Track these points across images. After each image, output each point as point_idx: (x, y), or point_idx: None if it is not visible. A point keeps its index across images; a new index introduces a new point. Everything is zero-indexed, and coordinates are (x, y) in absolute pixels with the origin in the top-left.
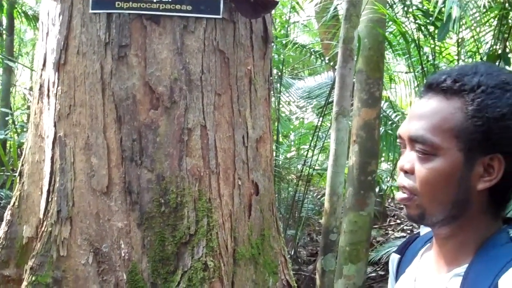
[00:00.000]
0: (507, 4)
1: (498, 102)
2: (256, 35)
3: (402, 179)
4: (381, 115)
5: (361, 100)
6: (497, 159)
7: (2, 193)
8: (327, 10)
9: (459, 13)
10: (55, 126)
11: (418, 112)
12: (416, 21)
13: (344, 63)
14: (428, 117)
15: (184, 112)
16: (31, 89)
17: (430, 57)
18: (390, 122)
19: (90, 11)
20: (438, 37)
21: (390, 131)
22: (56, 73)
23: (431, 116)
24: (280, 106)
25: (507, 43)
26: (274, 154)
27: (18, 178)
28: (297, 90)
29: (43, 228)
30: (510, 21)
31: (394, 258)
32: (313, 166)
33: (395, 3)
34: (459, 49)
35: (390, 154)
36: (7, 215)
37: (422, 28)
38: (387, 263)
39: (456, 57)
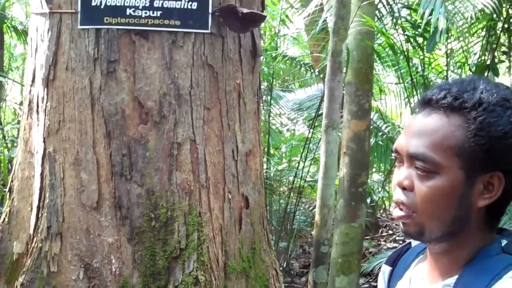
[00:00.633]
0: (494, 15)
1: (499, 120)
2: (245, 49)
3: (400, 195)
4: (372, 127)
5: (350, 112)
6: (497, 177)
7: None
8: (316, 23)
9: (446, 25)
10: (44, 141)
11: (417, 128)
12: (405, 33)
13: (333, 76)
14: (428, 135)
15: (173, 126)
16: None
17: (420, 68)
18: (380, 133)
19: (79, 26)
20: (427, 49)
21: (380, 142)
22: (45, 88)
23: (431, 134)
24: (271, 118)
25: (495, 54)
26: (265, 166)
27: (8, 194)
28: (288, 102)
29: (33, 244)
30: (498, 31)
31: (385, 270)
32: (305, 178)
33: (383, 15)
34: (448, 60)
35: (381, 165)
36: None
37: (411, 39)
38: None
39: (445, 68)
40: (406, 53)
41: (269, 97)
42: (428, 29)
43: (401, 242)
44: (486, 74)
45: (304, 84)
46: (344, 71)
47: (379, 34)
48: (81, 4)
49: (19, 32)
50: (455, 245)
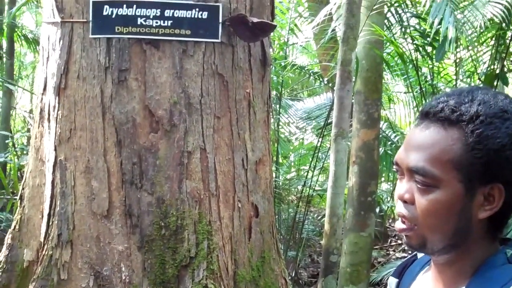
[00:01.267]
0: (503, 24)
1: (497, 132)
2: (255, 58)
3: (401, 209)
4: (381, 136)
5: (360, 121)
6: (497, 188)
7: (2, 216)
8: (325, 32)
9: (455, 34)
10: (55, 150)
11: (416, 142)
12: (414, 42)
13: (342, 85)
14: (427, 148)
15: (183, 135)
16: (31, 112)
17: (429, 77)
18: (389, 143)
19: (90, 36)
20: (436, 58)
21: (389, 152)
22: (57, 97)
23: (430, 148)
24: (280, 127)
25: (505, 63)
26: (274, 175)
27: (19, 201)
28: (297, 111)
29: (43, 252)
30: (507, 40)
31: (392, 282)
32: (313, 187)
33: (392, 25)
34: (457, 69)
35: (390, 174)
36: (7, 238)
37: (420, 48)
38: None
39: (454, 77)
40: (415, 62)
41: (278, 106)
42: (437, 38)
43: (409, 252)
44: (495, 83)
45: (313, 93)
46: (353, 80)
47: (388, 43)
48: (93, 13)
49: (29, 41)
50: (458, 257)
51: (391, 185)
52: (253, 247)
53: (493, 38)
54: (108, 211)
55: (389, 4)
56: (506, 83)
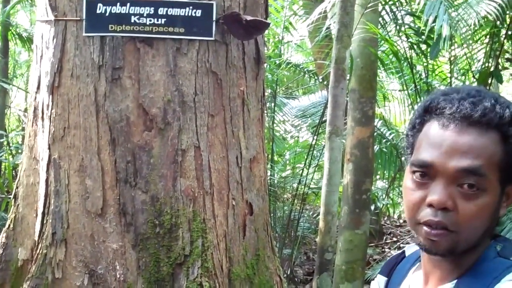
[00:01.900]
0: (498, 22)
1: None
2: (249, 57)
3: (438, 217)
4: (375, 133)
5: (354, 119)
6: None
7: None
8: (320, 30)
9: (449, 32)
10: (49, 148)
11: (461, 144)
12: (409, 40)
13: (336, 83)
14: (476, 150)
15: (177, 133)
16: (25, 110)
17: (423, 75)
18: (384, 140)
19: (84, 34)
20: (430, 56)
21: (384, 149)
22: (50, 95)
23: (479, 149)
24: (275, 125)
25: (499, 61)
26: (269, 173)
27: (13, 200)
28: (292, 109)
29: (38, 251)
30: (501, 38)
31: (381, 280)
32: (309, 185)
33: (387, 22)
34: (452, 67)
35: (385, 172)
36: (2, 237)
37: (415, 46)
38: None
39: (449, 75)
40: (409, 60)
41: (273, 104)
42: (432, 36)
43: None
44: (489, 81)
45: (308, 91)
46: (348, 78)
47: (382, 41)
48: (86, 11)
49: (23, 39)
50: (466, 254)
51: (386, 182)
52: (248, 245)
53: (488, 36)
54: (102, 210)
55: (383, 2)
56: (500, 81)
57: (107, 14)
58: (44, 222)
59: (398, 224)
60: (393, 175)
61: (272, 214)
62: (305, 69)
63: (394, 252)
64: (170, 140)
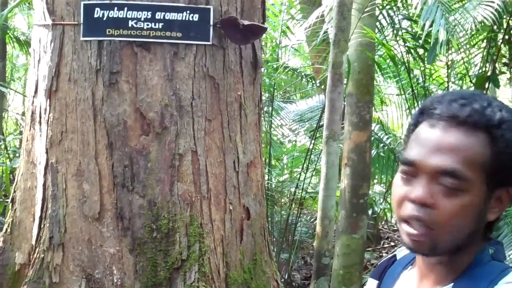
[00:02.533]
0: (495, 27)
1: None
2: (246, 61)
3: (417, 212)
4: (373, 138)
5: (351, 123)
6: (505, 191)
7: None
8: (317, 34)
9: (446, 37)
10: (47, 152)
11: (443, 144)
12: (406, 44)
13: (333, 87)
14: (457, 150)
15: (175, 137)
16: (23, 114)
17: (421, 80)
18: (381, 145)
19: (81, 38)
20: (428, 60)
21: (382, 153)
22: (48, 100)
23: (461, 150)
24: (272, 129)
25: (496, 65)
26: (267, 178)
27: (11, 204)
28: (289, 113)
29: (35, 255)
30: (498, 43)
31: (372, 284)
32: (306, 189)
33: (384, 27)
34: (449, 71)
35: (382, 176)
36: None
37: (412, 51)
38: None
39: (446, 79)
40: (407, 64)
41: (270, 108)
42: (429, 40)
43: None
44: (487, 85)
45: (305, 95)
46: (345, 82)
47: (379, 46)
48: (84, 16)
49: (21, 43)
50: (455, 256)
51: (384, 187)
52: (245, 250)
53: (485, 41)
54: (99, 214)
55: (380, 7)
56: (497, 85)
57: (104, 19)
58: (42, 226)
59: (395, 228)
60: (390, 179)
61: (269, 219)
62: (303, 74)
63: None
64: (168, 145)
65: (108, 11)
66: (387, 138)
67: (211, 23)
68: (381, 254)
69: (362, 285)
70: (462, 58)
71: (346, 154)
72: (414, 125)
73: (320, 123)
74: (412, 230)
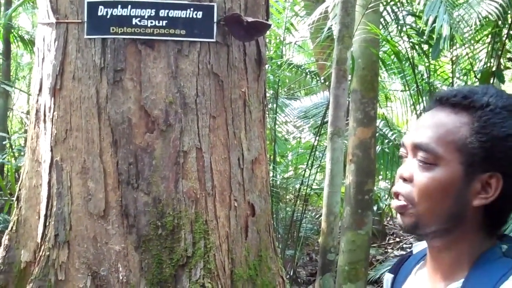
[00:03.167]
0: (499, 22)
1: (504, 122)
2: (250, 58)
3: (399, 186)
4: (378, 134)
5: (356, 120)
6: (495, 178)
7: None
8: (321, 30)
9: (449, 32)
10: (51, 150)
11: (424, 122)
12: (410, 40)
13: (338, 83)
14: (434, 127)
15: (179, 135)
16: (28, 113)
17: (425, 75)
18: (386, 141)
19: (85, 36)
20: (432, 56)
21: (387, 150)
22: (52, 98)
23: (437, 127)
24: (277, 126)
25: (501, 60)
26: (272, 174)
27: (16, 202)
28: (294, 110)
29: (41, 253)
30: (503, 38)
31: (388, 278)
32: (311, 186)
33: (388, 23)
34: (454, 67)
35: (387, 172)
36: (4, 240)
37: (416, 46)
38: None
39: (450, 75)
40: (411, 60)
41: (275, 105)
42: (433, 36)
43: (408, 249)
44: (491, 80)
45: (310, 92)
46: (349, 78)
47: (384, 42)
48: (87, 14)
49: (25, 42)
50: (452, 243)
51: (389, 183)
52: (250, 246)
53: (489, 36)
54: (104, 212)
55: (384, 3)
56: (502, 80)
57: (108, 17)
58: (47, 224)
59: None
60: (395, 175)
61: (274, 215)
62: (307, 70)
63: (397, 253)
64: (172, 142)
65: (111, 9)
66: (392, 134)
67: (215, 20)
68: (386, 250)
69: (367, 281)
70: (467, 54)
71: (351, 150)
72: None
73: (325, 120)
74: (394, 203)
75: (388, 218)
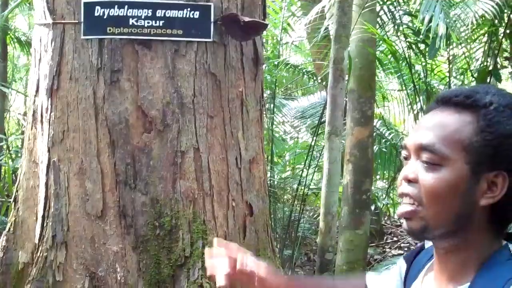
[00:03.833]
0: (496, 21)
1: (509, 120)
2: (247, 58)
3: (405, 188)
4: (375, 133)
5: (353, 119)
6: (501, 176)
7: None
8: (318, 30)
9: (446, 31)
10: (49, 151)
11: (428, 123)
12: (407, 40)
13: (335, 83)
14: (438, 128)
15: (177, 135)
16: (25, 114)
17: (422, 75)
18: (384, 140)
19: (82, 37)
20: (429, 55)
21: (384, 149)
22: (49, 99)
23: (441, 127)
24: (274, 126)
25: (498, 59)
26: (269, 174)
27: (13, 204)
28: (291, 110)
29: (38, 254)
30: (499, 37)
31: (403, 266)
32: (309, 186)
33: (385, 22)
34: (451, 66)
35: (385, 172)
36: (2, 241)
37: (413, 46)
38: None
39: (447, 74)
40: (408, 59)
41: (272, 105)
42: (430, 35)
43: (406, 249)
44: (488, 80)
45: (307, 92)
46: (347, 78)
47: (381, 41)
48: (84, 14)
49: (22, 43)
50: (460, 245)
51: (386, 182)
52: (248, 246)
53: (486, 35)
54: (102, 212)
55: (381, 2)
56: (499, 79)
57: (105, 17)
58: (44, 225)
59: (398, 223)
60: (393, 175)
61: (272, 215)
62: (304, 70)
63: (395, 252)
64: (170, 142)
65: (108, 9)
66: (389, 134)
67: (212, 20)
68: (384, 250)
69: None
70: (464, 53)
71: (349, 150)
72: None
73: (322, 120)
74: (402, 209)
75: (386, 218)
